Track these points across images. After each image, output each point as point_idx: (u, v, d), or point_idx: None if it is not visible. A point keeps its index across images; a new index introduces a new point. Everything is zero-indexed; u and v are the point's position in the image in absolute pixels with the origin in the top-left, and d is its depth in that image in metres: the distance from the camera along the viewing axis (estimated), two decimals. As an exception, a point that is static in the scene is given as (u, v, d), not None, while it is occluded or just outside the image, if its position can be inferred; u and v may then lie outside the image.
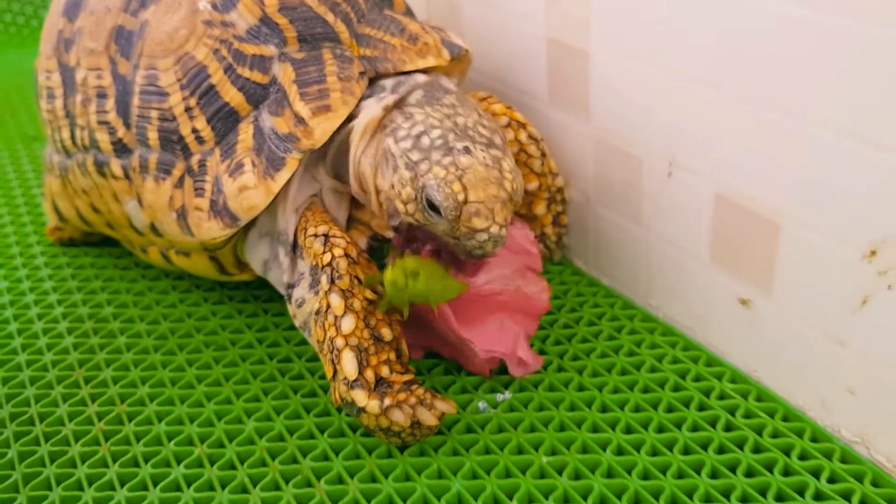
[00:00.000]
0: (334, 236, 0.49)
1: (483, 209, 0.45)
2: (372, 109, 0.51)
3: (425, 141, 0.47)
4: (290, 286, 0.52)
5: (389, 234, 0.55)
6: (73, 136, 0.60)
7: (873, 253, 0.41)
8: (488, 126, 0.49)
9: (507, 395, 0.51)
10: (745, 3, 0.43)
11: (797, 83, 0.42)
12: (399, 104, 0.51)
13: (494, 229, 0.46)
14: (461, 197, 0.45)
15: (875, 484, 0.44)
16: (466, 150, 0.46)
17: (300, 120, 0.51)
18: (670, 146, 0.51)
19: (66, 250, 0.71)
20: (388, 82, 0.52)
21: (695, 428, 0.48)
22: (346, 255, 0.48)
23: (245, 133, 0.52)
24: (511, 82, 0.64)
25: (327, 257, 0.48)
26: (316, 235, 0.50)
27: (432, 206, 0.46)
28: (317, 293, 0.48)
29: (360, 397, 0.46)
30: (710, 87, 0.47)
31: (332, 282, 0.48)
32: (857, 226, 0.41)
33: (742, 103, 0.45)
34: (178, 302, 0.63)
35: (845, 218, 0.42)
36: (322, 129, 0.50)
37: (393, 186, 0.48)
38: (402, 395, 0.46)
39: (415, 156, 0.47)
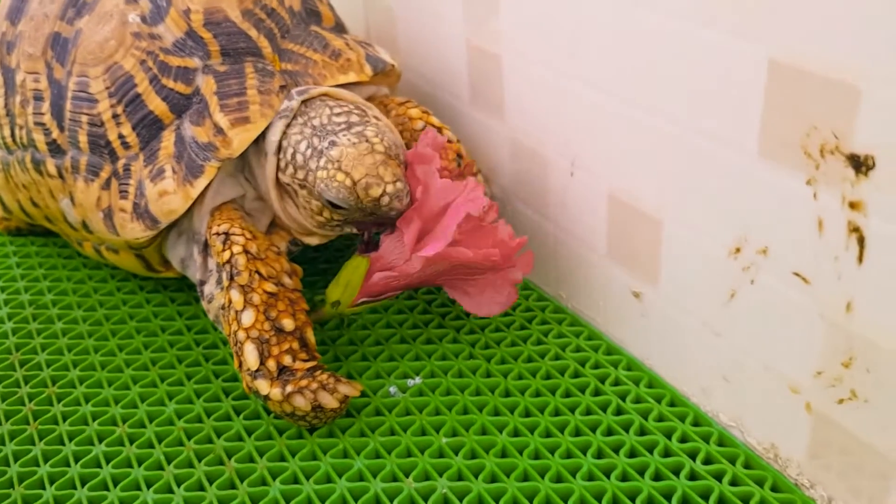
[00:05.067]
0: (234, 234, 0.52)
1: (370, 179, 0.49)
2: (269, 166, 0.53)
3: (299, 158, 0.51)
4: (202, 283, 0.55)
5: (308, 239, 0.58)
6: (13, 134, 0.63)
7: (738, 250, 0.44)
8: (341, 111, 0.52)
9: (418, 380, 0.54)
10: (629, 17, 0.46)
11: (672, 90, 0.45)
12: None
13: (390, 188, 0.49)
14: (349, 182, 0.49)
15: (747, 466, 0.47)
16: (332, 144, 0.50)
17: (219, 130, 0.53)
18: (571, 147, 0.54)
19: (13, 239, 0.74)
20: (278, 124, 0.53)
21: (587, 412, 0.51)
22: (246, 252, 0.51)
23: (167, 140, 0.54)
24: (439, 84, 0.67)
25: (227, 255, 0.51)
26: (218, 234, 0.53)
27: (334, 204, 0.50)
28: (222, 289, 0.51)
29: (262, 386, 0.49)
30: (601, 92, 0.50)
31: (231, 278, 0.51)
32: (724, 224, 0.44)
33: (628, 108, 0.48)
34: (115, 290, 0.66)
35: (713, 216, 0.45)
36: (240, 139, 0.53)
37: (303, 207, 0.53)
38: (303, 382, 0.49)
39: (300, 175, 0.52)
